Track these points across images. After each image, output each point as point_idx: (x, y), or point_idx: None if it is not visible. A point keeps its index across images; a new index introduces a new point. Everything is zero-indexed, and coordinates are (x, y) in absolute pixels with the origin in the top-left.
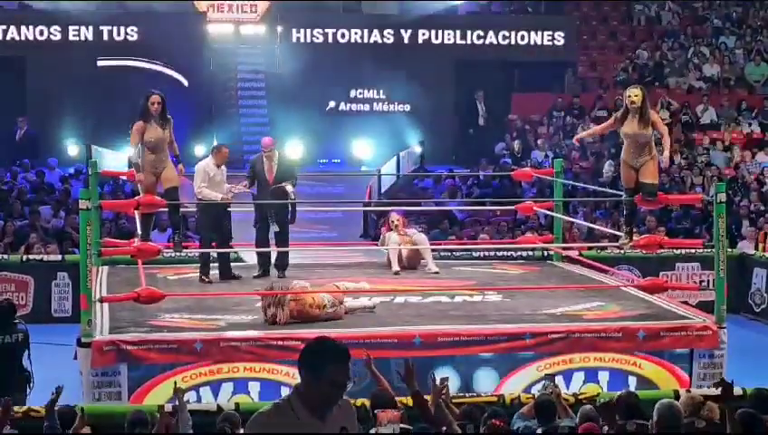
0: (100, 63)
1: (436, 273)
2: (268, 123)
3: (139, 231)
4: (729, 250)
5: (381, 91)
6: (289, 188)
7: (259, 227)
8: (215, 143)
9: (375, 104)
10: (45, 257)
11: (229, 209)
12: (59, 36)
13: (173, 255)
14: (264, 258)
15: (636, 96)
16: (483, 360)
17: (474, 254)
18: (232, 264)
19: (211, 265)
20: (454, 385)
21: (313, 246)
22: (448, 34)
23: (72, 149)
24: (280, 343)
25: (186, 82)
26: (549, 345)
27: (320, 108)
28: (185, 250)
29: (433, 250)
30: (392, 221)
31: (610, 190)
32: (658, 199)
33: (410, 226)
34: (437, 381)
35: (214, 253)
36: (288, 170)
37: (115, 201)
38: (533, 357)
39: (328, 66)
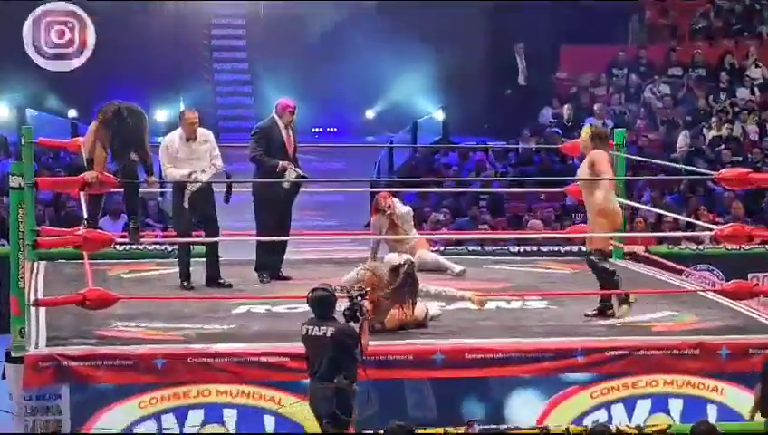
0: (43, 8)
1: (461, 273)
2: (250, 81)
3: (86, 216)
4: None
5: (394, 43)
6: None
7: (265, 216)
8: (181, 108)
9: (385, 58)
10: None
11: (215, 191)
12: None
13: (128, 248)
14: (272, 257)
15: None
16: (522, 383)
17: (511, 248)
18: (193, 259)
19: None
20: (484, 414)
21: (307, 236)
22: None
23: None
24: (263, 359)
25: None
26: (606, 365)
27: (314, 63)
28: (143, 241)
29: (458, 243)
30: (380, 204)
31: (686, 167)
32: (747, 179)
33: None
34: None
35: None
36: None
37: (55, 178)
38: (586, 380)
39: (324, 11)
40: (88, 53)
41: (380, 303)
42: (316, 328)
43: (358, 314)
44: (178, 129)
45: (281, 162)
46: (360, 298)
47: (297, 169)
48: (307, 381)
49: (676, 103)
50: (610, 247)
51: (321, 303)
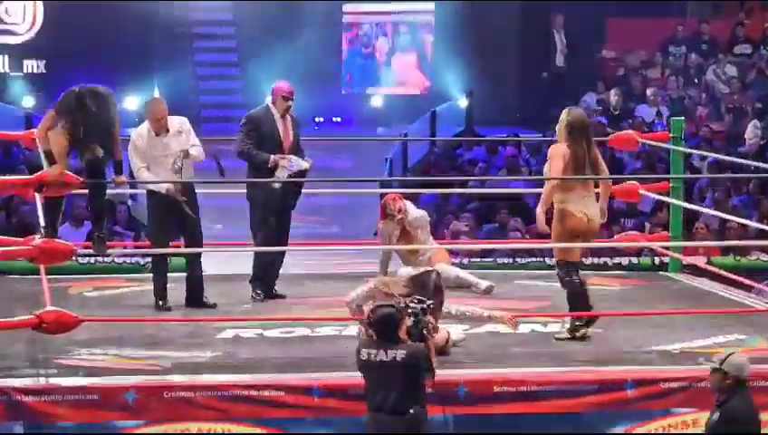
0: None
1: (489, 290)
2: (237, 62)
3: (43, 223)
4: None
5: (408, 16)
6: (305, 164)
7: (257, 222)
8: (155, 94)
9: (397, 34)
10: None
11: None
12: None
13: (92, 261)
14: (266, 272)
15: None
16: (561, 421)
17: (548, 260)
18: (171, 274)
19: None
20: None
21: (303, 246)
22: None
23: None
24: (255, 393)
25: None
26: (662, 399)
27: (313, 41)
28: (110, 252)
29: (485, 254)
30: (388, 207)
31: (757, 163)
32: None
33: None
34: None
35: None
36: (298, 134)
37: (6, 178)
38: (638, 417)
39: None
40: (36, 28)
41: None
42: (381, 352)
43: (424, 331)
44: (147, 121)
45: (272, 156)
46: (423, 313)
47: (292, 163)
48: (306, 419)
49: (745, 88)
50: (577, 257)
51: (388, 322)
